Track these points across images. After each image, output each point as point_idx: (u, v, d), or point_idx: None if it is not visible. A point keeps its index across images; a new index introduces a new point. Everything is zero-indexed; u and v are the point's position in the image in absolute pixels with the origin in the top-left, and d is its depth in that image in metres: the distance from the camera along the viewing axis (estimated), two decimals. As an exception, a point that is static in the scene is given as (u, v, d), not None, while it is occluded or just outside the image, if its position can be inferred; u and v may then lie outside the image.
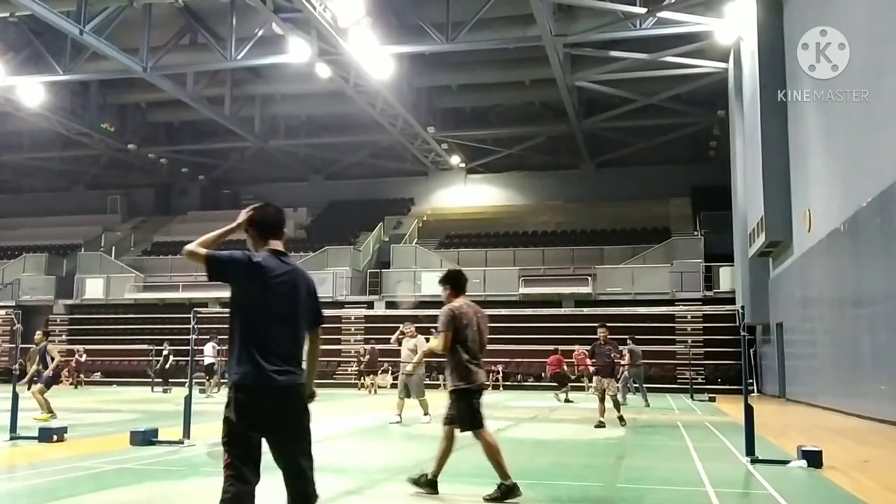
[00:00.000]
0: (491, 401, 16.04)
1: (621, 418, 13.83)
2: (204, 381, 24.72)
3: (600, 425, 13.22)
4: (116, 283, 37.16)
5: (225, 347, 28.21)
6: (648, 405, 19.85)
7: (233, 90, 35.05)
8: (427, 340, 15.39)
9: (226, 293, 4.30)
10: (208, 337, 24.90)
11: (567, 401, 21.79)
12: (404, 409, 14.70)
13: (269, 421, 3.99)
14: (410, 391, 14.87)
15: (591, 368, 14.32)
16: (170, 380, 28.15)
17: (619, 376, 14.31)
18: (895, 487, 7.45)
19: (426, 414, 14.59)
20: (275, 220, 4.34)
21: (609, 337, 14.11)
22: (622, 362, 19.73)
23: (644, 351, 27.80)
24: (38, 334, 15.02)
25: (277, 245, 4.26)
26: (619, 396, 16.21)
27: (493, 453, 6.64)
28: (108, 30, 26.95)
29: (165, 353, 28.62)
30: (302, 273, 4.31)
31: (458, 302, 7.17)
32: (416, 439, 11.83)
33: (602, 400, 13.65)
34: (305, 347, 4.24)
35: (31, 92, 31.94)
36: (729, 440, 11.30)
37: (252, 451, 3.98)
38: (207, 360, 24.77)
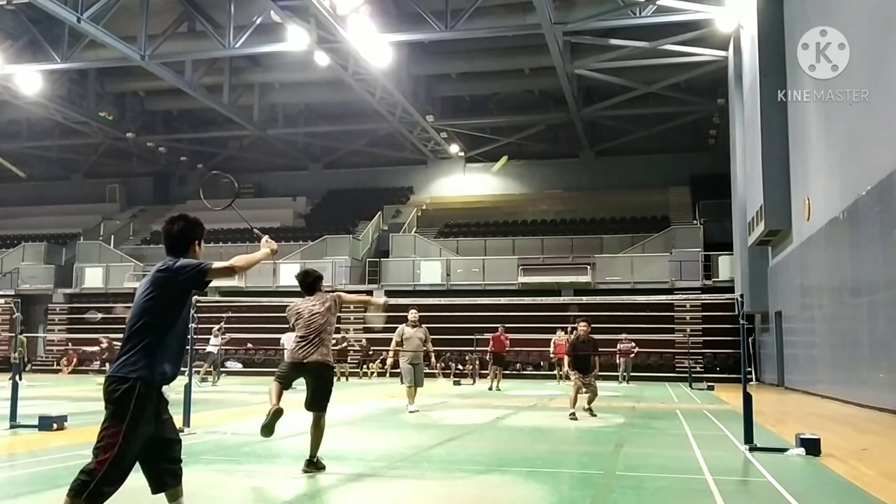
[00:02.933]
0: (477, 390, 16.04)
1: (591, 410, 13.57)
2: (209, 369, 24.75)
3: (573, 417, 12.90)
4: (115, 271, 37.17)
5: (230, 336, 28.12)
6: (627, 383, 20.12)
7: (231, 78, 34.98)
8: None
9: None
10: (217, 326, 24.94)
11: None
12: (393, 398, 14.73)
13: None
14: (415, 379, 14.65)
15: (567, 367, 13.87)
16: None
17: (593, 371, 13.83)
18: (893, 475, 7.48)
19: (408, 404, 14.55)
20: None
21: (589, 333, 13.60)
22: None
23: (643, 340, 28.03)
24: None
25: None
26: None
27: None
28: (105, 17, 26.86)
29: None
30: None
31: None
32: (415, 427, 11.86)
33: (578, 391, 13.34)
34: None
35: (29, 80, 31.87)
36: (727, 428, 11.33)
37: None
38: (210, 349, 24.76)
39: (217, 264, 4.52)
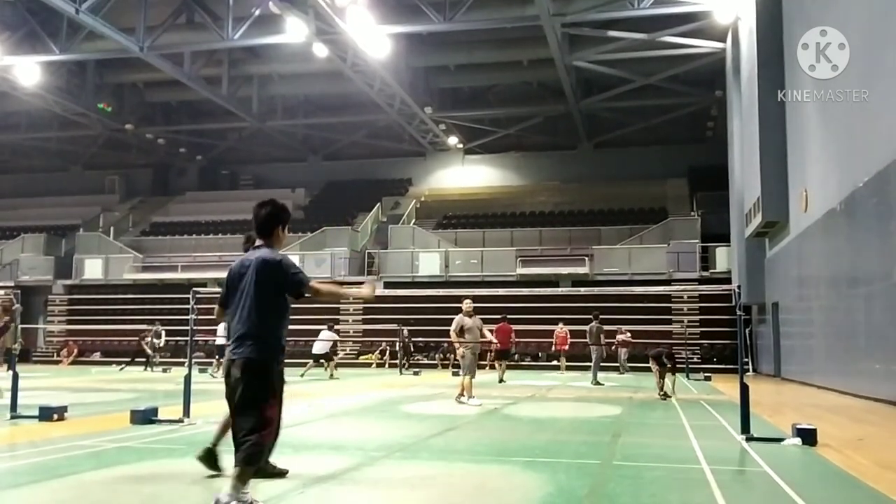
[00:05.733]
0: (476, 381, 16.04)
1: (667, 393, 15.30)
2: (213, 361, 24.68)
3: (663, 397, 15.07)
4: (115, 263, 37.19)
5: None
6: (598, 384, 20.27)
7: (230, 70, 34.98)
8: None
9: (224, 273, 4.58)
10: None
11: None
12: (392, 388, 14.54)
13: None
14: (470, 370, 14.07)
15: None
16: (150, 359, 28.13)
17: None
18: (889, 464, 7.53)
19: (464, 395, 14.13)
20: None
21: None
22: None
23: (641, 331, 28.07)
24: None
25: None
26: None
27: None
28: (104, 9, 26.84)
29: (146, 333, 28.83)
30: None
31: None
32: (413, 417, 11.90)
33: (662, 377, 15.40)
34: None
35: (28, 72, 31.85)
36: (724, 418, 11.38)
37: None
38: (219, 341, 24.64)
39: (313, 283, 5.20)
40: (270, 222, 5.38)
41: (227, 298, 5.32)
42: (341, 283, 33.40)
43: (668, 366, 15.36)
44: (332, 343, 24.03)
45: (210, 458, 6.44)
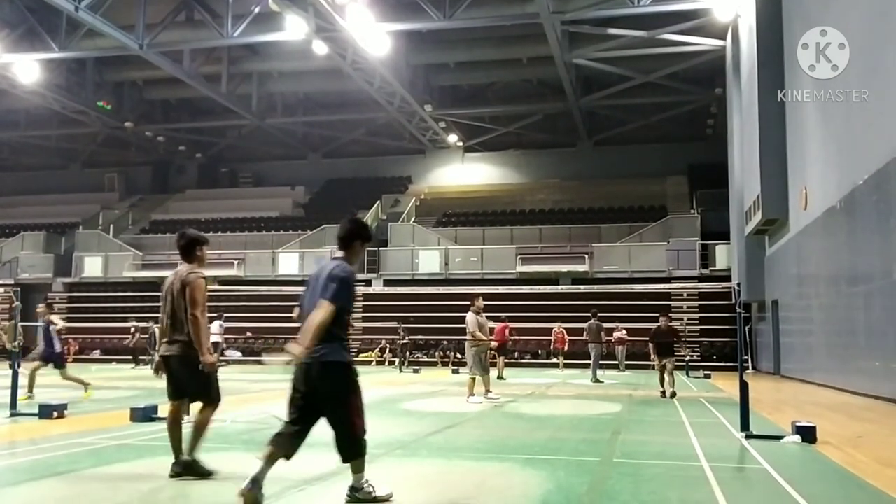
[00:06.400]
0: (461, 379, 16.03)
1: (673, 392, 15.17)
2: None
3: (664, 395, 15.10)
4: (115, 261, 37.19)
5: (228, 325, 27.62)
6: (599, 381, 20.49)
7: (229, 68, 34.95)
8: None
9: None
10: (216, 315, 24.87)
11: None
12: (391, 386, 14.52)
13: None
14: (481, 368, 14.09)
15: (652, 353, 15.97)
16: (140, 357, 28.12)
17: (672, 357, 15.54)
18: (888, 462, 7.54)
19: (485, 392, 14.24)
20: None
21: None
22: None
23: (640, 329, 28.05)
24: (42, 307, 14.88)
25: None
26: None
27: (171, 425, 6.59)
28: (103, 6, 26.78)
29: (132, 330, 28.78)
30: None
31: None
32: (413, 415, 11.92)
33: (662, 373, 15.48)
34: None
35: (27, 69, 31.79)
36: (724, 416, 11.39)
37: None
38: (213, 339, 24.63)
39: (330, 306, 5.34)
40: (351, 238, 5.93)
41: (304, 301, 5.71)
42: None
43: (672, 343, 15.45)
44: None
45: (190, 468, 6.41)
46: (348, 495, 5.50)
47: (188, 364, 6.48)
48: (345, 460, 5.45)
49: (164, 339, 6.66)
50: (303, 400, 5.38)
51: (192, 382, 6.55)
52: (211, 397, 6.60)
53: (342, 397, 5.38)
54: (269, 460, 5.29)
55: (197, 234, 6.93)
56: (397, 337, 28.86)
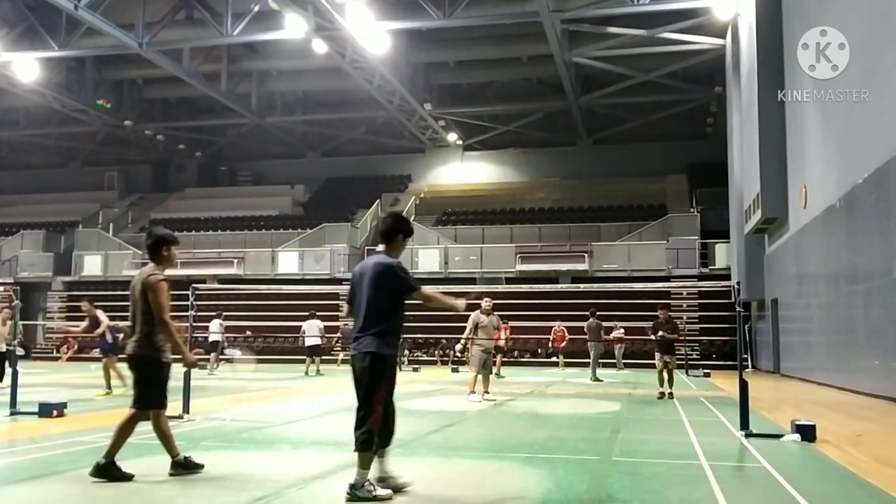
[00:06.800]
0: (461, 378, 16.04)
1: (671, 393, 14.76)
2: (207, 357, 24.70)
3: (661, 396, 14.64)
4: (114, 260, 37.15)
5: (228, 323, 27.47)
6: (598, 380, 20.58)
7: (229, 66, 34.93)
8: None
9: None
10: (215, 314, 24.87)
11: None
12: (397, 384, 14.45)
13: None
14: (485, 367, 14.16)
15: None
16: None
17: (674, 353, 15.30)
18: (887, 461, 7.55)
19: (483, 392, 14.17)
20: None
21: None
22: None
23: (640, 327, 28.07)
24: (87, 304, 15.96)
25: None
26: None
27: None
28: (103, 5, 26.75)
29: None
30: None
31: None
32: (413, 414, 11.91)
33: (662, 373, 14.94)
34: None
35: (27, 68, 31.75)
36: (723, 414, 11.40)
37: None
38: (213, 337, 24.62)
39: (423, 289, 5.90)
40: (393, 232, 6.08)
41: (352, 297, 5.99)
42: (341, 281, 33.56)
43: (672, 341, 15.23)
44: (321, 335, 24.09)
45: (105, 472, 6.20)
46: (348, 493, 5.55)
47: (138, 364, 6.37)
48: (355, 448, 5.62)
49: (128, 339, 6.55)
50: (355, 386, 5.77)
51: (136, 384, 6.45)
52: (143, 403, 6.36)
53: (367, 388, 5.67)
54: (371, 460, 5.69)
55: (165, 234, 6.72)
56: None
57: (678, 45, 29.87)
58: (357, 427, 5.63)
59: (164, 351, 6.40)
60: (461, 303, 6.19)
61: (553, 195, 40.18)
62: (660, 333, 14.97)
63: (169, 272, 6.63)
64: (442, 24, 27.30)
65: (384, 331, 5.74)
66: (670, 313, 16.18)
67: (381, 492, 5.61)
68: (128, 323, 6.58)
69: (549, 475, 6.60)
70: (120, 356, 14.88)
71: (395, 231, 6.11)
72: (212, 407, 12.32)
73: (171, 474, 6.39)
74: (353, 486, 5.57)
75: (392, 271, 5.81)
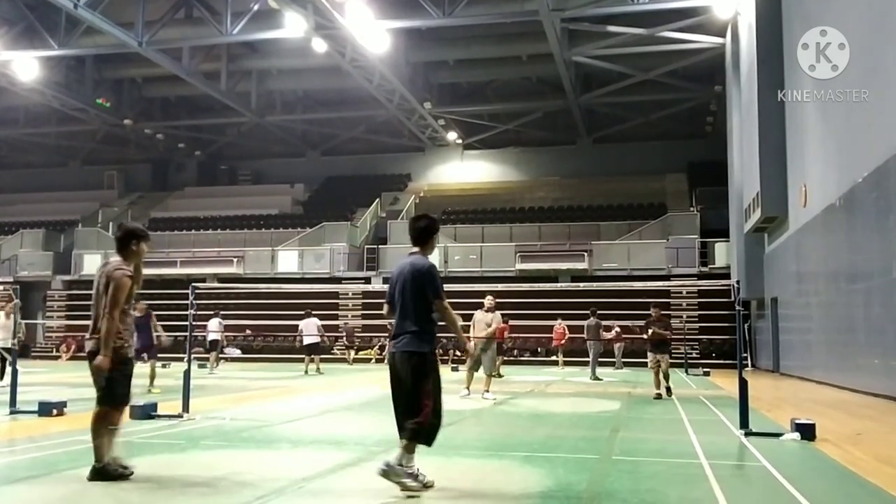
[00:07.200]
0: (476, 376, 16.10)
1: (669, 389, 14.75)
2: (207, 356, 24.70)
3: (658, 397, 14.52)
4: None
5: (228, 322, 27.56)
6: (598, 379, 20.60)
7: (229, 65, 34.93)
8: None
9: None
10: (213, 312, 24.86)
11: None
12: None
13: None
14: (483, 366, 14.34)
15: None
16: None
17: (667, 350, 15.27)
18: (887, 459, 7.55)
19: (487, 391, 14.24)
20: None
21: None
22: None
23: (639, 326, 28.07)
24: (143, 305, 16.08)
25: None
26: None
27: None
28: (102, 4, 26.74)
29: None
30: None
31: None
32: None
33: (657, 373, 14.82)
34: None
35: (26, 67, 31.73)
36: (723, 413, 11.40)
37: None
38: (212, 336, 24.60)
39: (443, 301, 5.99)
40: (427, 233, 6.21)
41: (392, 297, 6.16)
42: (340, 280, 33.58)
43: (667, 339, 15.16)
44: (319, 333, 24.14)
45: (101, 474, 6.10)
46: (382, 468, 5.68)
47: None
48: (401, 437, 5.79)
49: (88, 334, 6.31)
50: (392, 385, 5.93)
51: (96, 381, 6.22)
52: (108, 401, 6.16)
53: (412, 385, 5.81)
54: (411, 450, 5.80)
55: (136, 228, 6.52)
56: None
57: (678, 44, 29.87)
58: (408, 417, 5.76)
59: (127, 347, 6.23)
60: (470, 346, 6.33)
61: (553, 194, 40.18)
62: (650, 330, 15.02)
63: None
64: (441, 22, 27.30)
65: (423, 329, 5.90)
66: (662, 311, 16.18)
67: (412, 483, 5.68)
68: (90, 323, 6.31)
69: (548, 474, 6.60)
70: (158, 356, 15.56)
71: (430, 232, 6.23)
72: (211, 406, 12.32)
73: (88, 479, 6.05)
74: (388, 465, 5.67)
75: (430, 273, 5.98)
